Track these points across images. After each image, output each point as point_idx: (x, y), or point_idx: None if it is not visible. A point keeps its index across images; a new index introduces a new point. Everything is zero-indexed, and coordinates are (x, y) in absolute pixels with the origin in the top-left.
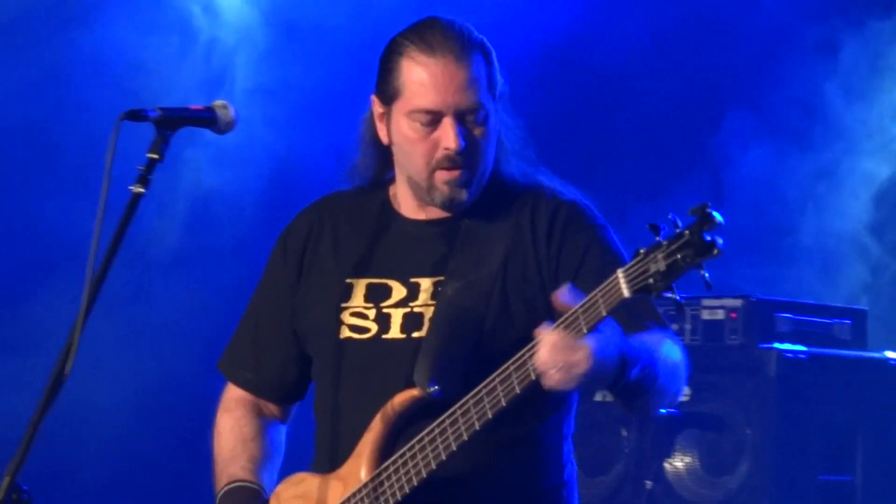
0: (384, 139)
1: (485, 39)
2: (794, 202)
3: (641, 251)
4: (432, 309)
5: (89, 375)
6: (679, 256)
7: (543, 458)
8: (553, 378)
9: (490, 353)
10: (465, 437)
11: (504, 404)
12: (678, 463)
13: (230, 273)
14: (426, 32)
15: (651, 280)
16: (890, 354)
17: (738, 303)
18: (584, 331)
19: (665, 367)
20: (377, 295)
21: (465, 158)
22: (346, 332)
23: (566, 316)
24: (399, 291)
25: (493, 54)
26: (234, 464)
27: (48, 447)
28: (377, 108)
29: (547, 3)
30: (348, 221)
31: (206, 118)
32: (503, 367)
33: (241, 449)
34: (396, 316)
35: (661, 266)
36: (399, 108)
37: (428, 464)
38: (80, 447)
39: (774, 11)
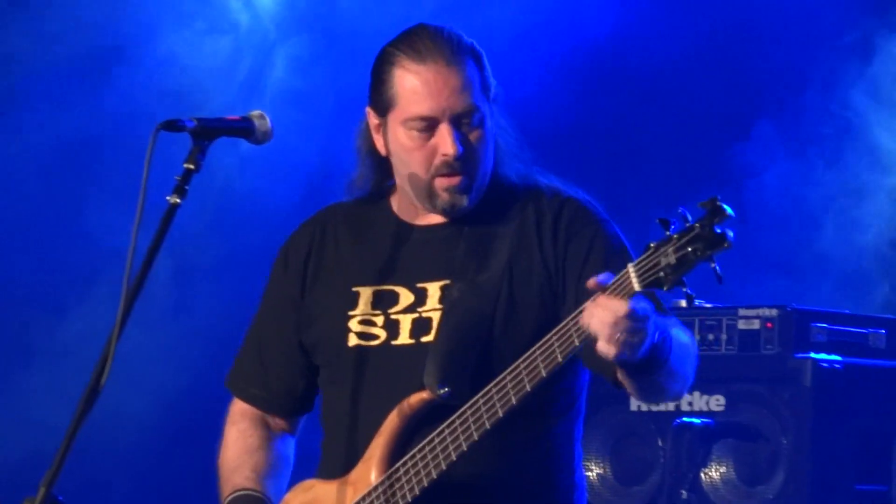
0: (382, 150)
1: (475, 43)
2: (819, 215)
3: (652, 245)
4: (440, 313)
5: (124, 386)
6: (689, 249)
7: (553, 462)
8: (615, 342)
9: (498, 353)
10: (475, 436)
11: (522, 395)
12: (714, 473)
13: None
14: (415, 40)
15: (662, 273)
16: None
17: (773, 312)
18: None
19: (677, 345)
20: (384, 302)
21: (464, 164)
22: (354, 340)
23: (614, 283)
24: (406, 297)
25: (484, 57)
26: (237, 473)
27: (84, 458)
28: (372, 119)
29: (578, 10)
30: (351, 231)
31: (243, 128)
32: (520, 359)
33: (245, 459)
34: (405, 322)
35: (672, 259)
36: (394, 117)
37: (438, 464)
38: (116, 459)
39: (803, 20)
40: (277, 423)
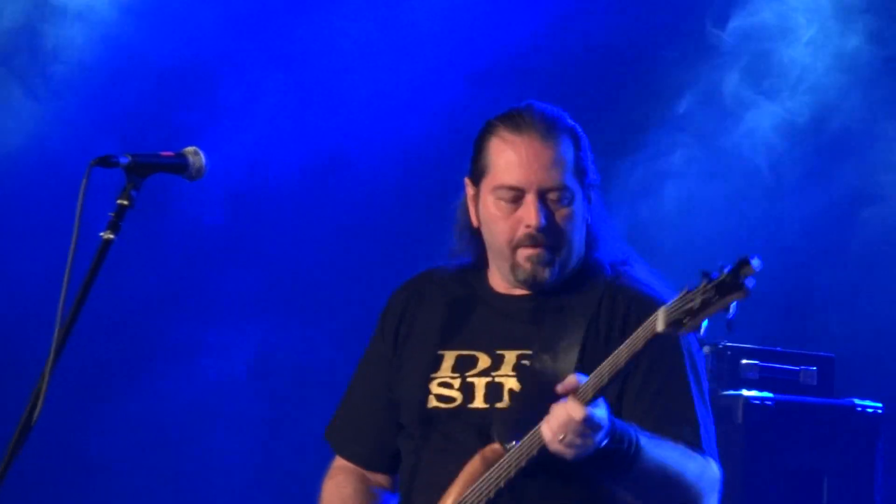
0: (474, 221)
1: (577, 126)
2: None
3: (685, 291)
4: (512, 380)
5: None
6: (711, 296)
7: None
8: (559, 442)
9: None
10: (511, 474)
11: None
12: None
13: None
14: (516, 114)
15: (683, 317)
16: (857, 401)
17: (705, 349)
18: (590, 397)
19: (663, 469)
20: (464, 365)
21: (547, 237)
22: (433, 402)
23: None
24: (484, 361)
25: (585, 141)
26: None
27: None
28: (469, 190)
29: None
30: (444, 297)
31: (177, 164)
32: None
33: None
34: (479, 385)
35: (696, 304)
36: (486, 185)
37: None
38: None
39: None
40: (377, 479)
